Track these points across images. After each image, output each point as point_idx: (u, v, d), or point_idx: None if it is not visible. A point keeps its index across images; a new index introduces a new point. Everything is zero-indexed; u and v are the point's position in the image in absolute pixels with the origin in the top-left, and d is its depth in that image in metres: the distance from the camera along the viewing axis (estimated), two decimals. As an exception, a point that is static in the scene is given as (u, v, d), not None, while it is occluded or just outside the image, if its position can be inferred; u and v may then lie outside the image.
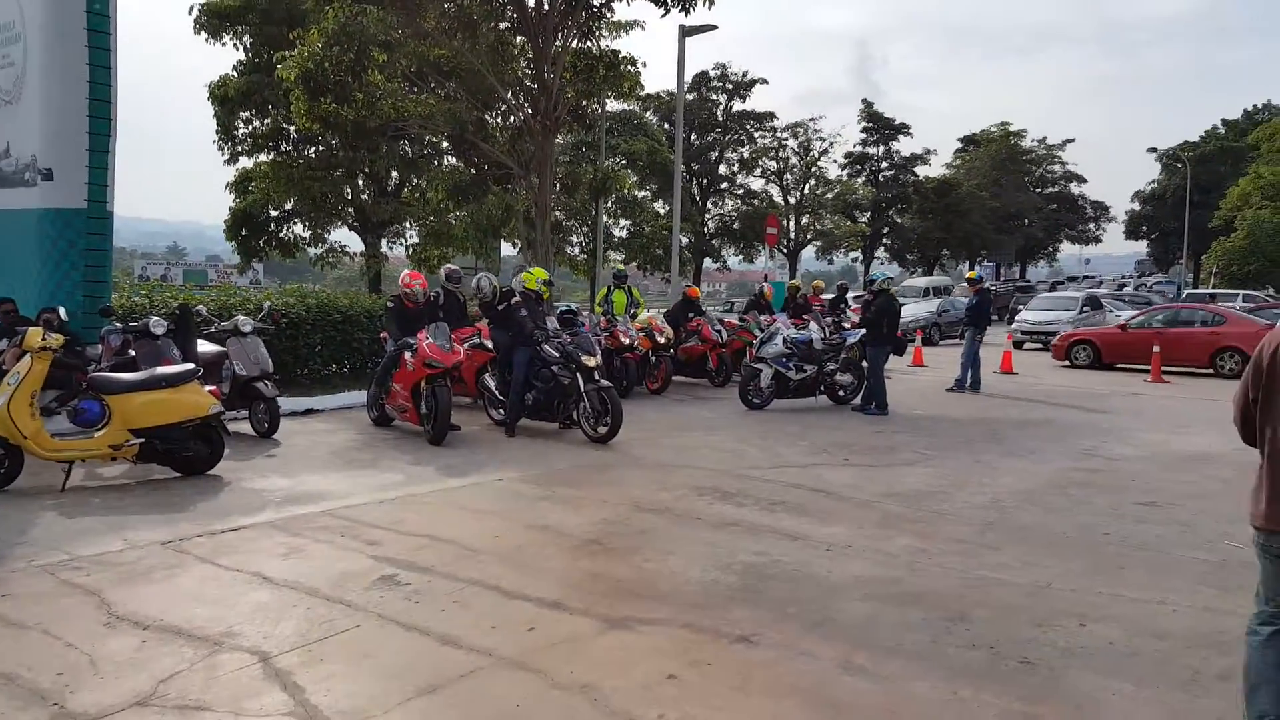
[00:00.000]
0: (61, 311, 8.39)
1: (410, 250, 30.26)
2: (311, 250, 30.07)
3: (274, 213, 28.31)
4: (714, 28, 18.94)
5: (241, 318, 9.70)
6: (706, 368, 14.44)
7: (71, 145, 9.27)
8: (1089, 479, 7.93)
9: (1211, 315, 19.80)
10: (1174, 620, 4.53)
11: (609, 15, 18.87)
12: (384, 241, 30.69)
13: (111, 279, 10.34)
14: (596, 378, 9.45)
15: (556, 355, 9.57)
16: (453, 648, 4.03)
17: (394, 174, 28.80)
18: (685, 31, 19.08)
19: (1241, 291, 37.41)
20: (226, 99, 25.96)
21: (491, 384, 10.34)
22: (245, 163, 27.90)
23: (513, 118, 20.35)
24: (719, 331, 14.42)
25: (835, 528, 6.15)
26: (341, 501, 6.65)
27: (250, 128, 27.72)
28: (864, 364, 12.29)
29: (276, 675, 3.72)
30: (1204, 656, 4.07)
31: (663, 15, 17.80)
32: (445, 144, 25.31)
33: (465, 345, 10.39)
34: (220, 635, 4.11)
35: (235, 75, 26.61)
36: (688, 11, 17.57)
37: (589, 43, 19.32)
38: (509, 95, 19.65)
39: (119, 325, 8.82)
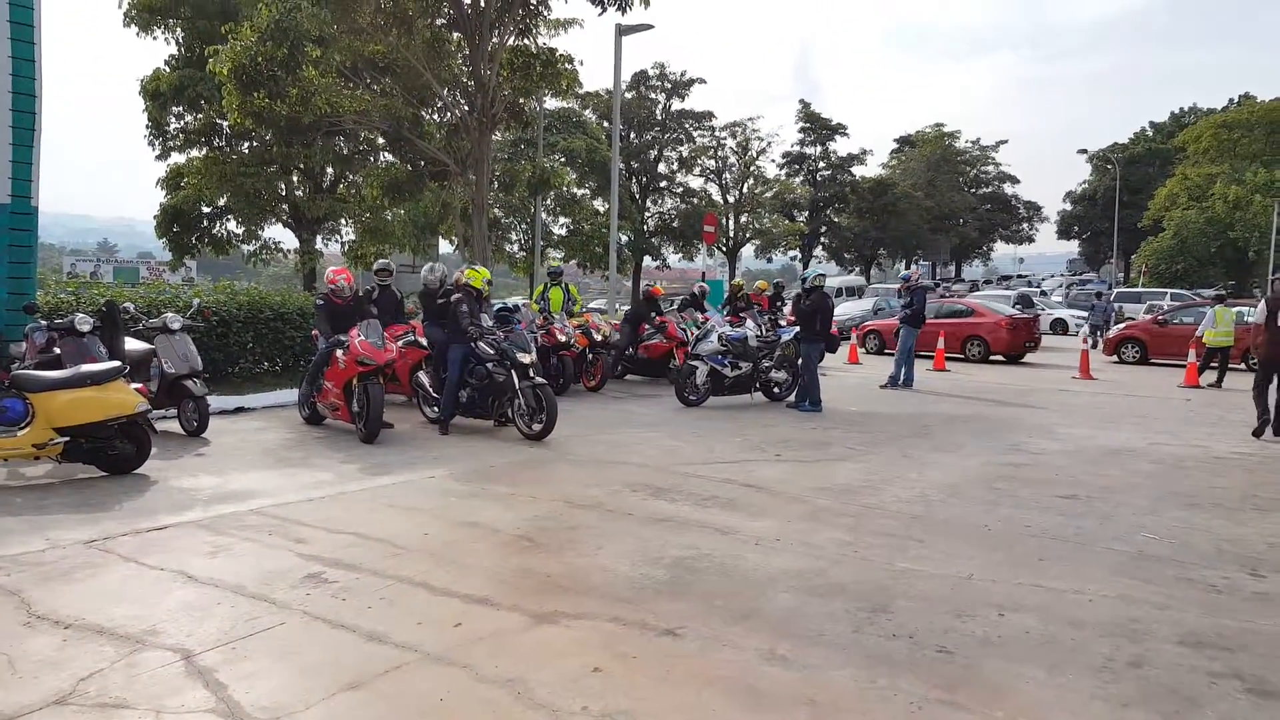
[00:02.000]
0: None
1: (346, 247, 29.91)
2: (245, 247, 29.49)
3: (206, 209, 27.72)
4: (650, 27, 19.05)
5: (170, 315, 9.51)
6: (671, 365, 14.38)
7: (-8, 138, 9.01)
8: (1013, 473, 8.17)
9: (965, 308, 22.03)
10: (1090, 610, 4.70)
11: (546, 13, 18.88)
12: (319, 238, 30.26)
13: (37, 275, 10.06)
14: (531, 375, 9.46)
15: (492, 352, 9.55)
16: (378, 644, 4.03)
17: (329, 170, 28.40)
18: (622, 30, 19.13)
19: (1170, 290, 38.73)
20: (158, 94, 25.38)
21: (426, 381, 10.29)
22: (177, 158, 27.35)
23: (449, 115, 20.21)
24: (684, 329, 14.50)
25: (765, 522, 6.26)
26: (270, 500, 6.58)
27: (182, 123, 27.15)
28: (798, 361, 12.48)
29: (199, 673, 3.68)
30: (1117, 644, 4.23)
31: (600, 14, 17.85)
32: (380, 140, 25.05)
33: (399, 342, 10.33)
34: (142, 633, 4.06)
35: (167, 70, 26.00)
36: (624, 10, 17.65)
37: (526, 40, 19.29)
38: (445, 92, 19.52)
39: (44, 322, 8.59)
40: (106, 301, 9.33)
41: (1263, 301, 11.00)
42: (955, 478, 7.92)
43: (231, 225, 28.69)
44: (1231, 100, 65.72)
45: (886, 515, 6.56)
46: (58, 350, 8.40)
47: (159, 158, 27.07)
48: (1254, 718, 3.53)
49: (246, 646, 3.96)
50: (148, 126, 26.50)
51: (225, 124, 26.28)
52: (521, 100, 20.70)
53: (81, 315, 8.52)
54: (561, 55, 19.26)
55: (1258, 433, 10.55)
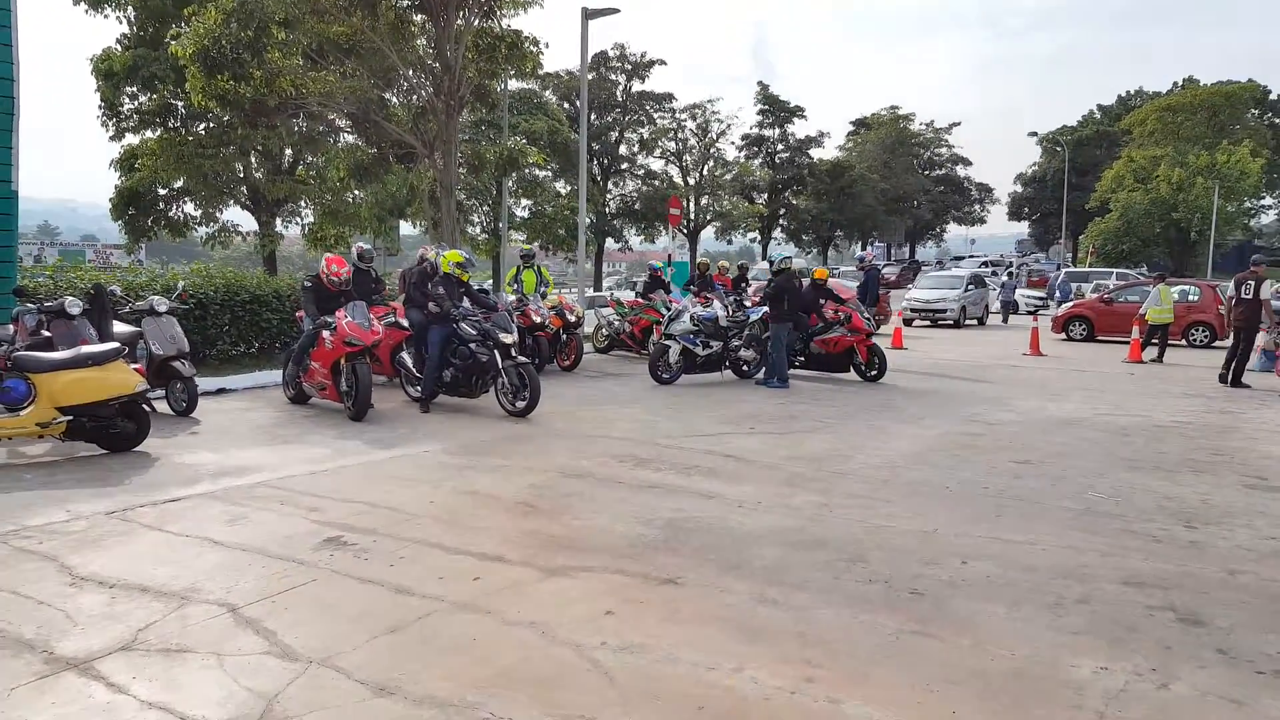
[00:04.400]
0: None
1: (306, 230, 29.83)
2: (203, 230, 29.31)
3: (163, 191, 27.49)
4: (616, 11, 19.31)
5: (156, 298, 9.71)
6: (854, 360, 13.81)
7: (-26, 124, 9.12)
8: (971, 441, 8.71)
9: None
10: (1042, 557, 5.21)
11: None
12: (279, 220, 30.15)
13: (17, 259, 10.17)
14: (514, 354, 9.81)
15: (474, 333, 9.88)
16: (406, 595, 4.40)
17: (288, 152, 28.27)
18: (588, 14, 19.36)
19: (1115, 270, 39.91)
20: (111, 74, 25.00)
21: (409, 361, 10.59)
22: (132, 139, 27.02)
23: (415, 96, 20.31)
24: (663, 309, 14.90)
25: (745, 487, 6.71)
26: (274, 474, 6.88)
27: (136, 103, 26.82)
28: (766, 339, 12.94)
29: (246, 622, 4.04)
30: (1067, 585, 4.73)
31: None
32: (343, 122, 25.03)
33: (381, 324, 10.59)
34: (184, 591, 4.39)
35: (119, 49, 25.65)
36: (586, -7, 17.92)
37: (490, 21, 19.45)
38: (411, 74, 19.62)
39: (33, 306, 8.74)
40: (94, 285, 9.49)
41: (1233, 281, 12.43)
42: (918, 446, 8.44)
43: (189, 208, 28.51)
44: (1175, 84, 67.50)
45: (857, 480, 7.04)
46: (46, 333, 8.58)
47: (113, 139, 26.71)
48: (1182, 640, 4.04)
49: (285, 600, 4.31)
50: (100, 107, 26.12)
51: (181, 105, 26.17)
52: (487, 82, 20.87)
53: (72, 298, 8.71)
54: (527, 37, 19.47)
55: (1222, 378, 13.33)
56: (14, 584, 4.44)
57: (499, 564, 4.90)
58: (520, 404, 9.65)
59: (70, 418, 7.10)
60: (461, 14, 18.54)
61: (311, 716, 3.23)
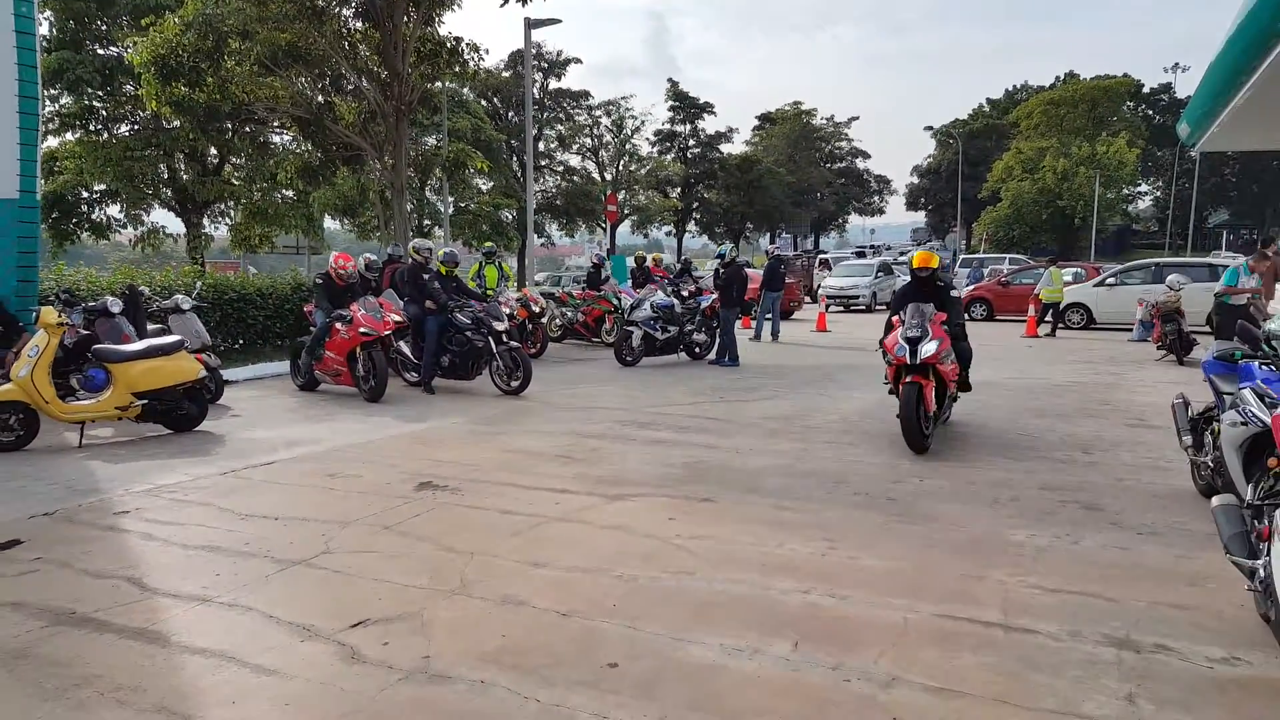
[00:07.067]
0: None
1: (231, 229, 30.18)
2: (129, 231, 29.48)
3: (85, 194, 27.63)
4: (558, 21, 20.55)
5: (180, 296, 10.63)
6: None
7: (3, 139, 9.87)
8: (905, 401, 10.32)
9: None
10: (978, 475, 6.77)
11: (457, 7, 20.02)
12: (206, 221, 30.43)
13: (39, 264, 10.91)
14: (505, 339, 11.04)
15: (468, 322, 11.06)
16: (511, 515, 5.68)
17: (212, 152, 28.62)
18: (531, 24, 20.52)
19: (1008, 255, 42.81)
20: (33, 77, 24.99)
21: (406, 350, 11.69)
22: (51, 142, 27.00)
23: (364, 101, 21.13)
24: (615, 299, 16.32)
25: (736, 439, 8.14)
26: (334, 443, 8.02)
27: (57, 106, 26.83)
28: (714, 324, 14.43)
29: (404, 534, 5.27)
30: (999, 491, 6.30)
31: (502, 4, 19.23)
32: (277, 124, 25.61)
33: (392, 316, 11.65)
34: (339, 519, 5.58)
35: (44, 53, 25.64)
36: (525, 1, 19.07)
37: (430, 28, 20.41)
38: (360, 80, 20.45)
39: (80, 306, 9.56)
40: (129, 285, 10.36)
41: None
42: (864, 406, 10.01)
43: (113, 210, 28.67)
44: (1058, 78, 71.88)
45: (823, 431, 8.55)
46: (84, 331, 9.44)
47: (31, 142, 26.63)
48: (1086, 518, 5.63)
49: (422, 521, 5.55)
50: (18, 109, 26.05)
51: (101, 107, 26.37)
52: (429, 86, 21.81)
53: (112, 298, 9.61)
54: (467, 43, 20.51)
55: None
56: (198, 519, 5.57)
57: (568, 494, 6.21)
58: (515, 383, 10.89)
59: (144, 401, 8.08)
60: (406, 20, 19.45)
61: (491, 582, 4.50)
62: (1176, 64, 71.10)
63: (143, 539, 5.22)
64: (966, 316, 24.93)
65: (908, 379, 7.49)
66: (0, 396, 7.47)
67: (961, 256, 45.78)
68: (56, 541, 5.16)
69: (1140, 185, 67.73)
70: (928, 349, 7.46)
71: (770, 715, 3.20)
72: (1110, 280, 21.12)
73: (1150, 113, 71.45)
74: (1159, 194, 74.99)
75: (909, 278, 8.67)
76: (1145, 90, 70.39)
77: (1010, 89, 77.95)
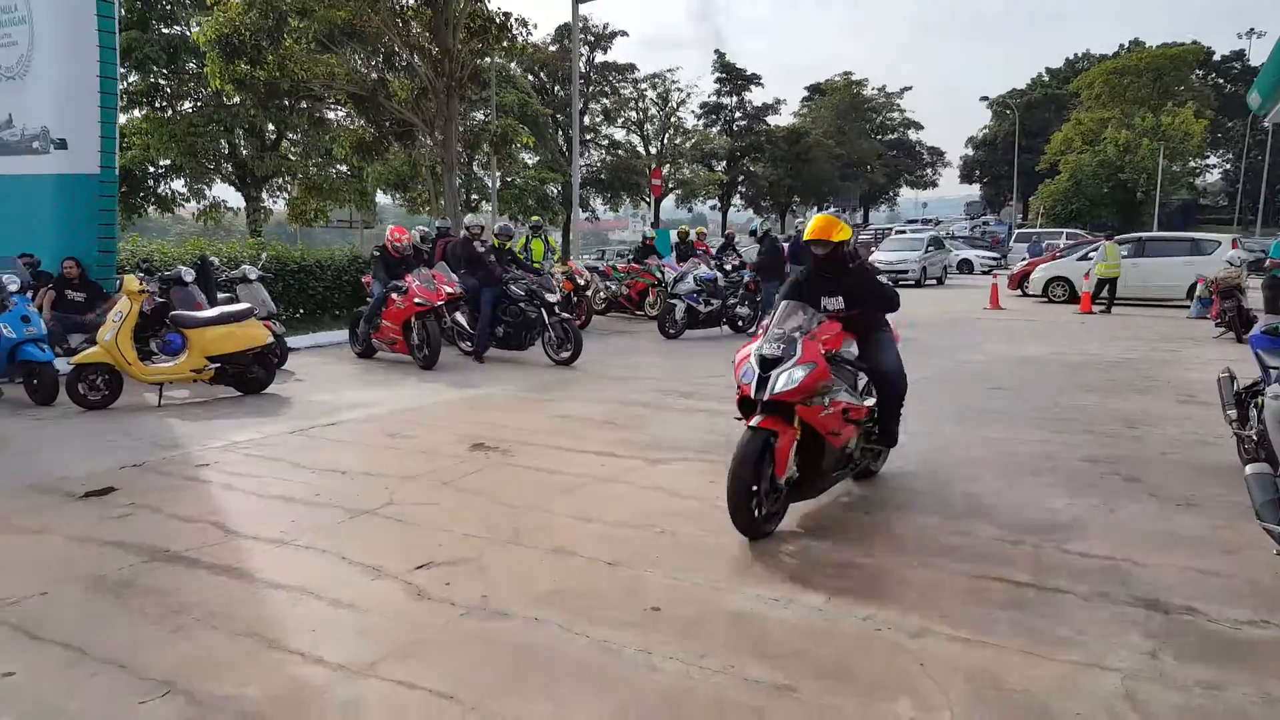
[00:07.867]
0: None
1: (289, 203, 30.96)
2: (191, 204, 30.39)
3: (151, 169, 28.48)
4: (607, -4, 20.56)
5: (247, 266, 11.10)
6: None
7: (85, 117, 10.38)
8: (953, 375, 10.44)
9: None
10: (1022, 449, 6.91)
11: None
12: (265, 195, 31.24)
13: (118, 235, 11.46)
14: (557, 311, 11.34)
15: (522, 294, 11.38)
16: (559, 475, 5.99)
17: (270, 127, 29.30)
18: (579, -1, 20.64)
19: (1065, 230, 42.03)
20: (106, 56, 25.81)
21: (463, 320, 12.05)
22: (120, 119, 27.84)
23: (416, 78, 21.51)
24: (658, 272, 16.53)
25: (778, 408, 8.34)
26: (392, 406, 8.40)
27: (125, 84, 27.66)
28: (758, 298, 14.57)
29: (461, 489, 5.61)
30: (1040, 462, 6.44)
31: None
32: (333, 100, 26.18)
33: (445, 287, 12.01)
34: (401, 474, 5.94)
35: (115, 32, 26.46)
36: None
37: (479, 4, 20.70)
38: (412, 56, 20.81)
39: (156, 275, 10.05)
40: (200, 256, 10.84)
41: None
42: (914, 378, 10.04)
43: (177, 185, 29.55)
44: (1122, 46, 69.81)
45: (865, 402, 8.70)
46: (161, 299, 9.93)
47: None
48: (1125, 489, 5.77)
49: (477, 478, 5.88)
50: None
51: (166, 85, 27.14)
52: (478, 62, 22.12)
53: (185, 268, 10.09)
54: (516, 18, 20.77)
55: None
56: (271, 472, 5.97)
57: (613, 458, 6.49)
58: (565, 354, 11.19)
59: (217, 365, 8.53)
60: (459, -2, 19.73)
61: (542, 534, 4.81)
62: (1251, 29, 67.89)
63: (223, 489, 5.64)
64: (1019, 292, 25.25)
65: (753, 421, 4.82)
66: (88, 358, 7.99)
67: (1018, 231, 45.10)
68: (146, 489, 5.60)
69: (1209, 157, 65.73)
70: (787, 379, 4.71)
71: (804, 657, 3.44)
72: (1092, 254, 20.81)
73: (1221, 81, 69.05)
74: (1229, 167, 72.76)
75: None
76: (1216, 58, 68.00)
77: (1071, 57, 76.02)
